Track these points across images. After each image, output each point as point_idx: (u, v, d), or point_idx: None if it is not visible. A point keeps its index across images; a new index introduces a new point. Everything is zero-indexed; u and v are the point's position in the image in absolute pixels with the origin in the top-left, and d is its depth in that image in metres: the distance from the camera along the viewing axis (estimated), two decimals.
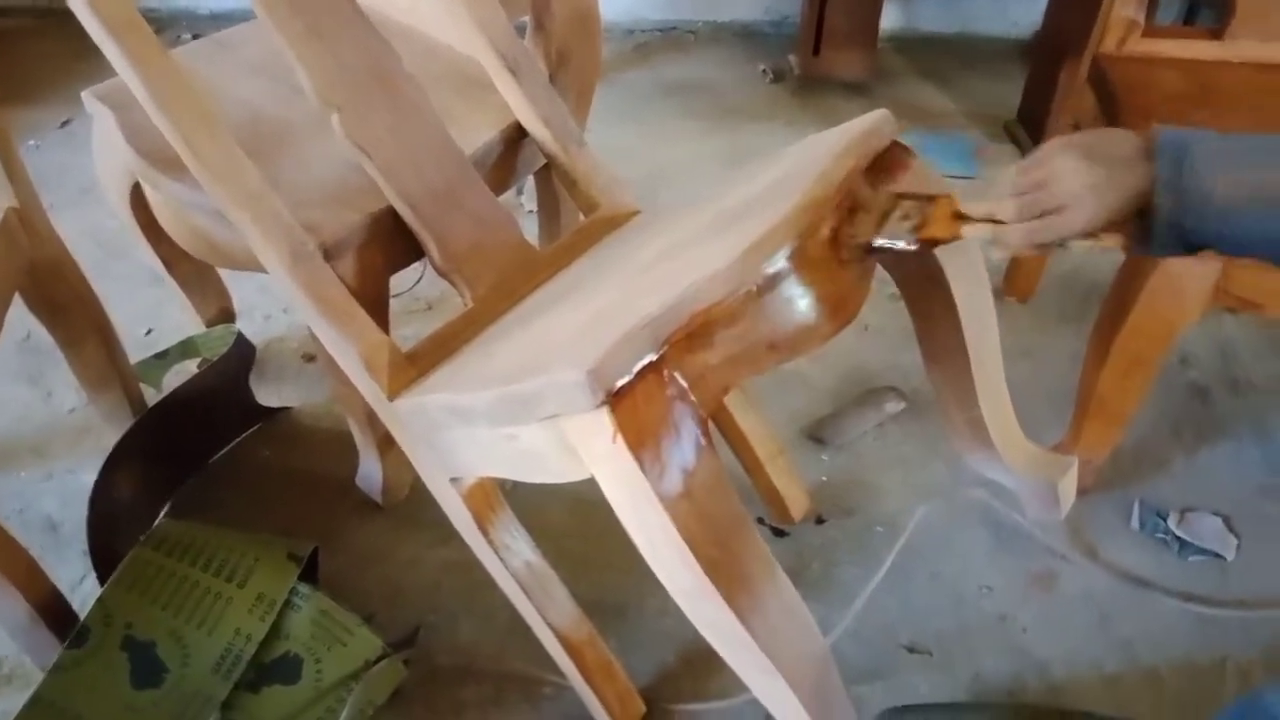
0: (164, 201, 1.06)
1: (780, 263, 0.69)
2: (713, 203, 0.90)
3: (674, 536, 0.62)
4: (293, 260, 0.87)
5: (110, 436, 1.21)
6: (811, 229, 0.71)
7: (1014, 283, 1.62)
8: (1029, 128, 2.01)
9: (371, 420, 1.15)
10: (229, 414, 1.33)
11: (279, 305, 1.57)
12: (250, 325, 1.51)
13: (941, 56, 2.32)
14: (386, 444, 1.19)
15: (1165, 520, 1.27)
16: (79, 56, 2.20)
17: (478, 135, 1.06)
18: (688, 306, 0.65)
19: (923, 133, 2.04)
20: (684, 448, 0.64)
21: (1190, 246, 0.69)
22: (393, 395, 0.87)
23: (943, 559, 1.22)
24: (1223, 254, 0.70)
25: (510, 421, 0.71)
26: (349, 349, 0.87)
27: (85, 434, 1.35)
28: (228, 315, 1.38)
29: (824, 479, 1.33)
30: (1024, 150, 1.99)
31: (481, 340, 0.92)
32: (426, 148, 0.98)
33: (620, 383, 0.62)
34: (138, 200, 1.17)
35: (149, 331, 1.52)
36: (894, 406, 1.42)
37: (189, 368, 1.36)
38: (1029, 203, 0.71)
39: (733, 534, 0.65)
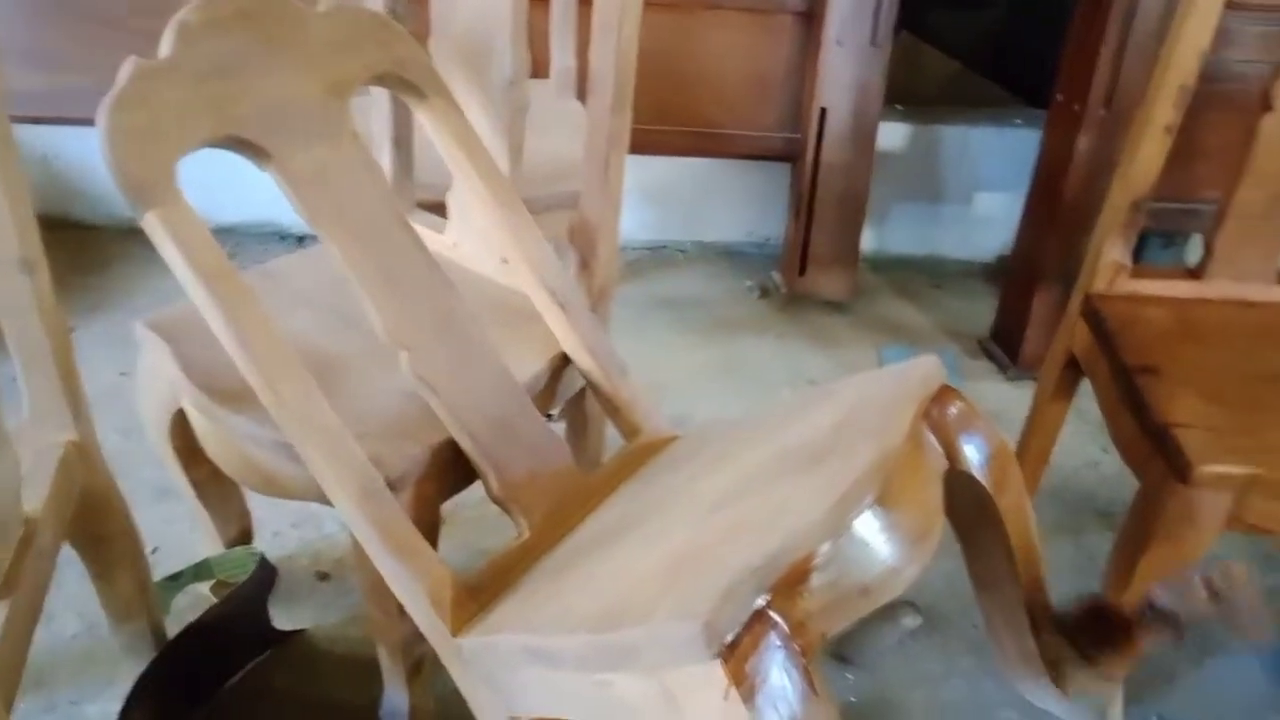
0: (214, 431, 1.07)
1: (865, 514, 0.72)
2: (765, 436, 0.94)
3: None
4: (363, 496, 0.87)
5: (121, 665, 1.16)
6: (888, 480, 0.75)
7: None
8: (1004, 345, 2.13)
9: (404, 650, 1.12)
10: (245, 640, 1.29)
11: (288, 521, 1.55)
12: (259, 542, 1.48)
13: (913, 276, 2.48)
14: (413, 673, 1.16)
15: None
16: (77, 269, 2.25)
17: (528, 366, 1.10)
18: (788, 555, 0.67)
19: (904, 348, 2.15)
20: (791, 697, 0.65)
21: None
22: (457, 632, 0.87)
23: None
24: None
25: (604, 669, 0.71)
26: (415, 586, 0.87)
27: (89, 662, 1.29)
28: (246, 535, 1.37)
29: (851, 699, 1.31)
30: (1000, 365, 2.10)
31: (542, 571, 0.92)
32: (486, 381, 1.01)
33: (731, 635, 0.63)
34: (176, 427, 1.18)
35: (154, 550, 1.48)
36: (911, 622, 1.42)
37: (199, 589, 1.32)
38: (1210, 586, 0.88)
39: None
